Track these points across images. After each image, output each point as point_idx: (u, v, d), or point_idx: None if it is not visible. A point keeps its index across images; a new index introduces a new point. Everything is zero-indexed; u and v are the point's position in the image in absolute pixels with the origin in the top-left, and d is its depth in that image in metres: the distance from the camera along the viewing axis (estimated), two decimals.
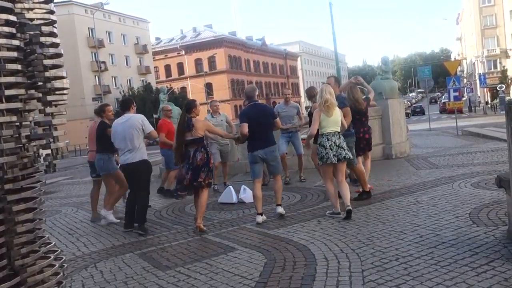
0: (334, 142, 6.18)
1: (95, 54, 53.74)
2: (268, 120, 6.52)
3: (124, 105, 6.88)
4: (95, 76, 53.66)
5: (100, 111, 7.52)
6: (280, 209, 6.48)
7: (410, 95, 75.65)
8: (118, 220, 7.24)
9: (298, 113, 9.54)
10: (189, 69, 73.36)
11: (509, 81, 54.66)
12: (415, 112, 52.58)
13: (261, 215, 6.29)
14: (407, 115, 34.39)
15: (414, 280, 3.71)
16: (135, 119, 6.59)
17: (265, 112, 6.59)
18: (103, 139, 7.11)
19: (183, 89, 66.62)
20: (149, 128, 6.65)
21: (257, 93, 6.73)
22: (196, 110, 6.44)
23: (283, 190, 8.56)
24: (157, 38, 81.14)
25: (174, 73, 74.37)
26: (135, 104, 7.01)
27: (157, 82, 64.13)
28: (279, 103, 10.91)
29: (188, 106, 6.41)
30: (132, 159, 6.47)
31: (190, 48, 73.57)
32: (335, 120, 6.26)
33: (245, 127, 6.33)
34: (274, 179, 6.62)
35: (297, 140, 9.53)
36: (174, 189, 6.49)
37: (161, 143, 9.03)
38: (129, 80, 59.18)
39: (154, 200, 9.16)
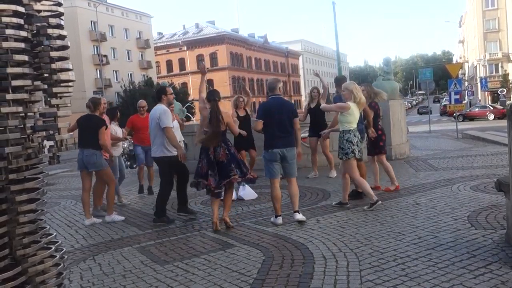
0: (358, 138, 6.47)
1: (96, 47, 53.63)
2: (290, 116, 6.03)
3: (156, 96, 6.67)
4: (96, 70, 53.59)
5: (96, 104, 7.07)
6: (299, 216, 5.93)
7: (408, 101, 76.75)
8: (100, 220, 6.99)
9: None
10: (191, 65, 73.25)
11: (510, 85, 54.68)
12: (422, 112, 54.78)
13: (281, 217, 6.00)
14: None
15: (412, 281, 3.73)
16: (155, 111, 6.38)
17: (288, 107, 6.11)
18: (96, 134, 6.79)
19: (184, 84, 66.56)
20: (165, 123, 6.23)
21: (280, 85, 6.21)
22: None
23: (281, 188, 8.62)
24: (159, 33, 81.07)
25: (176, 69, 74.33)
26: (169, 93, 6.65)
27: (158, 77, 64.06)
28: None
29: (219, 96, 6.07)
30: (154, 153, 6.50)
31: (192, 44, 73.54)
32: (358, 118, 6.56)
33: (259, 124, 5.99)
34: (288, 182, 6.08)
35: None
36: (197, 181, 5.98)
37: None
38: (130, 74, 59.07)
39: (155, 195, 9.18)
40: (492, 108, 38.65)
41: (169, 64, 75.22)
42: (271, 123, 5.93)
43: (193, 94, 61.29)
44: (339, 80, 8.24)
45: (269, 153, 5.95)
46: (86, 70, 51.68)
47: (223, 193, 6.02)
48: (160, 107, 6.42)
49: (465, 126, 25.17)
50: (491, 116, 36.22)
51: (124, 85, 49.59)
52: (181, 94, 44.96)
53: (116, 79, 55.87)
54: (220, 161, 5.83)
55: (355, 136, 6.38)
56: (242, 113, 9.61)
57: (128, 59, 60.42)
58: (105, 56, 54.33)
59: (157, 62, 70.05)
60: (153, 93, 45.42)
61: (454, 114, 38.78)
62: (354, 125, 6.41)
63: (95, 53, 53.56)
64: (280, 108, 5.99)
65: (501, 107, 38.79)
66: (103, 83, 51.28)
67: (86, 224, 6.91)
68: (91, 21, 52.98)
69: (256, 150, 9.78)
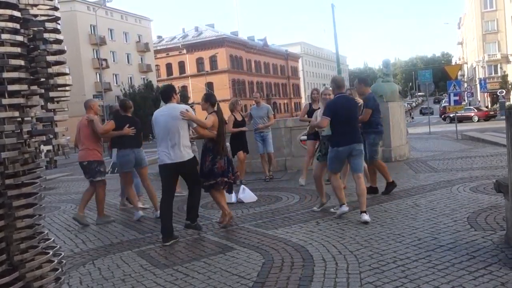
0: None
1: (96, 51, 53.71)
2: (356, 113, 6.30)
3: (165, 95, 6.01)
4: (96, 73, 53.67)
5: (127, 106, 7.44)
6: (365, 217, 5.76)
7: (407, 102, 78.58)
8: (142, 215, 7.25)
9: (268, 113, 10.11)
10: (190, 68, 73.41)
11: (510, 86, 54.65)
12: (424, 113, 56.54)
13: (345, 205, 6.12)
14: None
15: (412, 283, 3.72)
16: (175, 110, 5.80)
17: (354, 105, 6.29)
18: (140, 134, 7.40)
19: (184, 88, 66.68)
20: (192, 123, 5.86)
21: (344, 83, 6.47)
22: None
23: (279, 190, 8.61)
24: (159, 37, 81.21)
25: (175, 72, 74.42)
26: (177, 92, 6.30)
27: (158, 81, 64.17)
28: (253, 105, 10.92)
29: (216, 100, 6.30)
30: (176, 158, 5.69)
31: (191, 47, 73.64)
32: None
33: (326, 122, 6.01)
34: (355, 180, 6.09)
35: (269, 138, 10.11)
36: (215, 182, 6.09)
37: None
38: (130, 78, 59.17)
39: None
40: (476, 110, 40.05)
41: (168, 67, 75.31)
42: (339, 121, 5.99)
43: (193, 97, 61.43)
44: (365, 80, 8.12)
45: (334, 151, 6.08)
46: (86, 73, 51.79)
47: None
48: (181, 106, 5.99)
49: (465, 128, 25.16)
50: (475, 118, 37.50)
51: (124, 89, 49.66)
52: (181, 97, 44.99)
53: (116, 83, 55.95)
54: (229, 158, 6.20)
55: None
56: (240, 117, 9.68)
57: (128, 62, 60.53)
58: (105, 59, 54.41)
59: (157, 65, 70.17)
60: (153, 96, 45.33)
61: (442, 116, 40.39)
62: None
63: (95, 56, 53.64)
64: (347, 105, 6.11)
65: (485, 110, 40.82)
66: (103, 87, 51.31)
67: (137, 217, 7.17)
68: (90, 25, 53.08)
69: (248, 153, 9.81)
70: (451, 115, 37.17)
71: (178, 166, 5.74)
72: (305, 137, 11.50)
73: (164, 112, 5.85)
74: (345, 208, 6.11)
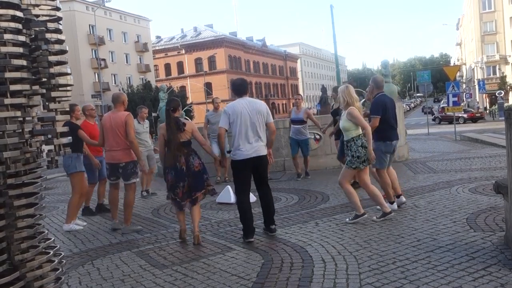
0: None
1: (95, 51, 53.66)
2: (395, 111, 6.72)
3: (242, 89, 5.68)
4: (94, 73, 53.61)
5: (70, 111, 7.24)
6: (403, 199, 6.52)
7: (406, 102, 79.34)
8: (82, 227, 6.98)
9: None
10: (189, 68, 73.40)
11: (508, 87, 54.79)
12: (426, 112, 57.56)
13: (395, 202, 6.33)
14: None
15: (411, 284, 3.72)
16: (262, 104, 5.63)
17: (395, 103, 6.73)
18: (74, 138, 6.98)
19: (183, 88, 66.68)
20: (271, 118, 5.67)
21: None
22: (179, 111, 5.86)
23: (278, 190, 8.62)
24: (158, 37, 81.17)
25: (174, 72, 74.40)
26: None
27: (156, 81, 64.15)
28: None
29: (176, 105, 5.74)
30: (258, 152, 5.48)
31: (190, 47, 73.63)
32: None
33: (378, 121, 6.20)
34: (389, 171, 6.52)
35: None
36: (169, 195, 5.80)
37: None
38: (129, 78, 59.13)
39: (152, 198, 9.17)
40: (463, 112, 40.37)
41: (167, 67, 75.29)
42: (388, 117, 6.33)
43: (191, 97, 61.47)
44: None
45: (387, 145, 6.33)
46: (85, 73, 51.72)
47: (187, 205, 5.66)
48: (260, 101, 5.79)
49: (463, 129, 25.20)
50: (462, 119, 38.19)
51: (123, 89, 49.59)
52: (180, 98, 45.02)
53: (115, 83, 55.91)
54: (195, 171, 5.58)
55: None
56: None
57: (127, 62, 60.48)
58: (104, 59, 54.35)
59: (155, 65, 70.12)
60: (151, 96, 45.34)
61: (433, 116, 40.89)
62: None
63: (94, 56, 53.60)
64: (392, 103, 6.55)
65: (472, 111, 41.56)
66: (102, 87, 51.29)
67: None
68: (89, 25, 53.04)
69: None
70: (439, 116, 39.72)
71: (256, 160, 5.49)
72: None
73: (246, 105, 5.52)
74: (395, 206, 6.28)
